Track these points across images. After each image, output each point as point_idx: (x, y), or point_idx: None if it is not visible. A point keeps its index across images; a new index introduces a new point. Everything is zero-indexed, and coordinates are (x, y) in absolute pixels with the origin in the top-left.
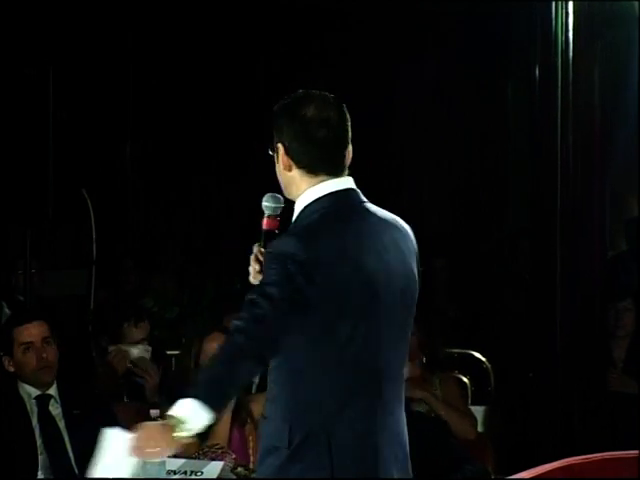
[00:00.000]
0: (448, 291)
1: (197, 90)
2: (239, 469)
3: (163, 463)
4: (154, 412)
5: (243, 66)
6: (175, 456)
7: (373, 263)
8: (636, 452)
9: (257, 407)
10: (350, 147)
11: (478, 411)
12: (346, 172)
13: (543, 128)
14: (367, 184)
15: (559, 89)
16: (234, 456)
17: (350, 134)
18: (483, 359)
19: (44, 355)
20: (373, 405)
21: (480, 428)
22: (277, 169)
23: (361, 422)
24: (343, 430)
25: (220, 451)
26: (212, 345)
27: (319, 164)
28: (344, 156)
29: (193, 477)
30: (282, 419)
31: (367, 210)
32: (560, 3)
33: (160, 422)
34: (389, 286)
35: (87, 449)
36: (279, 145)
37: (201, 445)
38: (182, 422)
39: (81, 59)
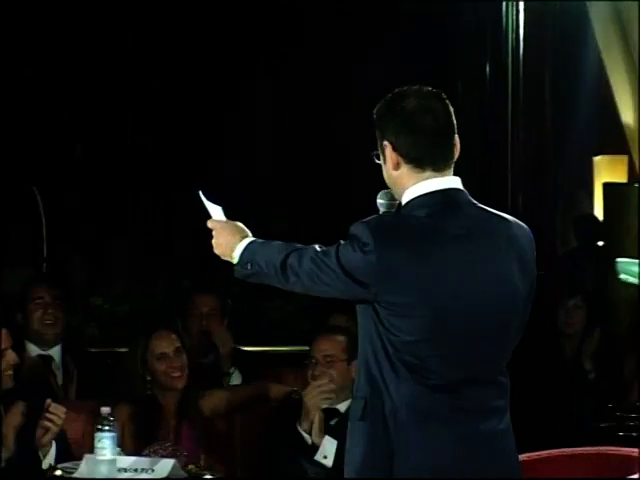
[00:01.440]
0: None
1: (147, 88)
2: (190, 467)
3: (114, 461)
4: (105, 410)
5: (185, 65)
6: (126, 454)
7: (445, 277)
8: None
9: (207, 404)
10: (457, 138)
11: None
12: (452, 166)
13: (494, 126)
14: (314, 184)
15: (509, 87)
16: (185, 453)
17: (455, 124)
18: None
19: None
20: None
21: None
22: (385, 173)
23: (429, 435)
24: (410, 441)
25: (171, 449)
26: (159, 343)
27: (427, 157)
28: (451, 146)
29: (144, 475)
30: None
31: (466, 214)
32: (510, 3)
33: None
34: (460, 303)
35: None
36: (385, 143)
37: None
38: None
39: (35, 56)
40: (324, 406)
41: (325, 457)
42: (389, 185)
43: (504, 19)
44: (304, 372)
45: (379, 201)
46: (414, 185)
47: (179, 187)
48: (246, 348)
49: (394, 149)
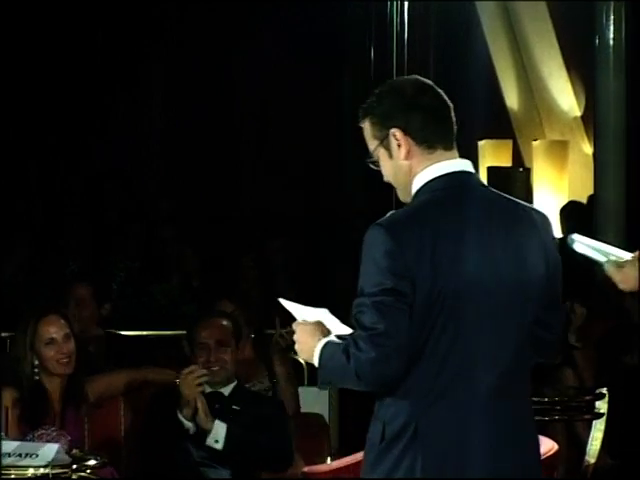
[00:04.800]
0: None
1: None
2: (74, 451)
3: None
4: None
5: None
6: (10, 439)
7: (465, 259)
8: None
9: (92, 389)
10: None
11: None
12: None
13: None
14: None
15: (394, 71)
16: (69, 438)
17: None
18: None
19: None
20: (461, 401)
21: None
22: (391, 170)
23: (448, 414)
24: (430, 421)
25: (55, 433)
26: (48, 329)
27: (436, 135)
28: (452, 121)
29: (28, 459)
30: (380, 416)
31: (479, 198)
32: None
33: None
34: (483, 284)
35: None
36: (393, 131)
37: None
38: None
39: None
40: (207, 390)
41: (216, 441)
42: (395, 183)
43: (389, 4)
44: (187, 356)
45: None
46: (424, 169)
47: (70, 171)
48: (130, 333)
49: (405, 133)
